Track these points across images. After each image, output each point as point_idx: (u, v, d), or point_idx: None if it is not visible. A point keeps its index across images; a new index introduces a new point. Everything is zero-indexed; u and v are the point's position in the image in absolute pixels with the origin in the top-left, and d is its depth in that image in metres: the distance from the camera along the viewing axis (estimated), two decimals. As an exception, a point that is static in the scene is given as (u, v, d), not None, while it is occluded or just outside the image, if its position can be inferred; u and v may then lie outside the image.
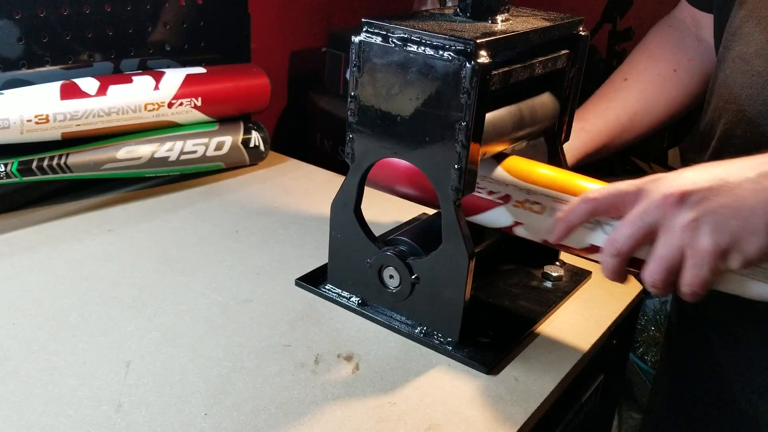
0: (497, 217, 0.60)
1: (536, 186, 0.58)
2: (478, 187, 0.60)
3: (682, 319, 0.76)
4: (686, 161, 1.56)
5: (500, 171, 0.60)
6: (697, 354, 0.72)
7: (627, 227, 0.51)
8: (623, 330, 0.69)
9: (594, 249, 0.55)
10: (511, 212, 0.59)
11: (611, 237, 0.52)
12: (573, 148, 0.72)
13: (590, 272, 0.71)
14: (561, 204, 0.57)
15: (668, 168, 1.54)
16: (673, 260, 0.49)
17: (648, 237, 0.50)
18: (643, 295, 0.71)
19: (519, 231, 0.59)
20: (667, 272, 0.49)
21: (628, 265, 0.53)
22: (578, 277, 0.70)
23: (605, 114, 0.77)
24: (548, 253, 0.70)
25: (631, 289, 0.70)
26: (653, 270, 0.50)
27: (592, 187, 0.56)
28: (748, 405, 0.66)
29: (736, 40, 0.63)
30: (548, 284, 0.68)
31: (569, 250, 0.57)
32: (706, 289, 0.49)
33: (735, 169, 0.48)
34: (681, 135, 1.52)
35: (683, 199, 0.48)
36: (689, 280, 0.49)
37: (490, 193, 0.60)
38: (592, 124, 0.76)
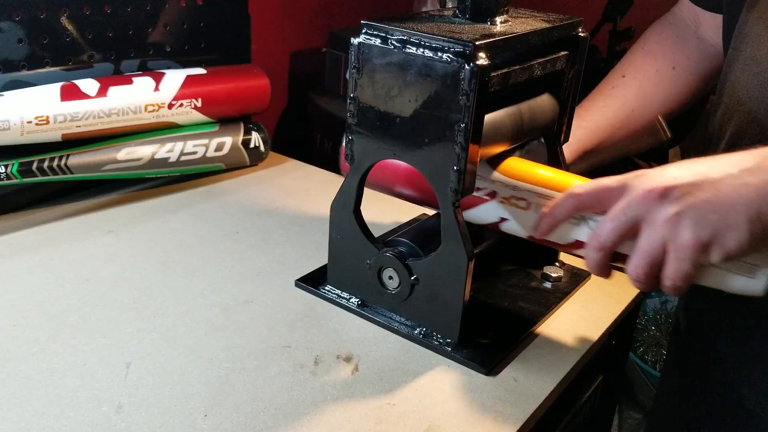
0: (484, 213, 0.61)
1: (522, 182, 0.59)
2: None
3: (689, 321, 0.76)
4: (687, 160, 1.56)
5: (487, 168, 0.60)
6: (704, 356, 0.72)
7: (610, 222, 0.51)
8: (622, 330, 0.69)
9: (579, 244, 0.56)
10: (498, 208, 0.60)
11: (595, 232, 0.53)
12: (570, 144, 0.72)
13: (589, 273, 0.71)
14: (546, 200, 0.57)
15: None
16: (655, 254, 0.49)
17: (631, 231, 0.51)
18: (642, 295, 0.71)
19: (505, 227, 0.60)
20: (649, 266, 0.50)
21: (613, 261, 0.54)
22: (577, 277, 0.70)
23: (603, 110, 0.77)
24: (548, 254, 0.70)
25: (630, 290, 0.70)
26: (636, 264, 0.51)
27: (577, 183, 0.56)
28: (756, 407, 0.66)
29: (747, 42, 0.63)
30: (547, 285, 0.68)
31: (555, 245, 0.58)
32: (687, 283, 0.50)
33: (717, 165, 0.49)
34: (682, 134, 1.52)
35: (666, 194, 0.49)
36: (671, 274, 0.49)
37: (477, 189, 0.60)
38: (590, 121, 0.76)
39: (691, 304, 0.75)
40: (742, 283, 0.51)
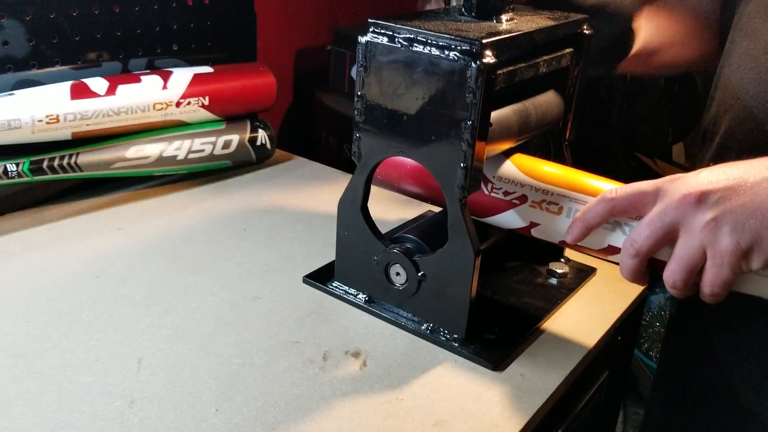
0: (513, 218, 0.60)
1: (554, 186, 0.58)
2: (494, 188, 0.60)
3: (683, 315, 0.77)
4: (691, 156, 1.56)
5: (516, 171, 0.60)
6: (698, 350, 0.73)
7: (646, 227, 0.50)
8: (628, 326, 0.70)
9: (613, 250, 0.55)
10: (528, 213, 0.59)
11: (630, 237, 0.52)
12: None
13: (595, 269, 0.72)
14: (578, 204, 0.56)
15: (672, 163, 1.54)
16: (693, 260, 0.49)
17: (667, 237, 0.50)
18: (647, 291, 0.72)
19: (536, 232, 0.59)
20: (687, 273, 0.49)
21: (649, 267, 0.52)
22: (583, 273, 0.71)
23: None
24: (553, 250, 0.71)
25: (636, 286, 0.71)
26: (673, 270, 0.50)
27: (609, 187, 0.55)
28: (747, 400, 0.66)
29: (743, 36, 0.63)
30: (553, 281, 0.69)
31: (587, 251, 0.57)
32: (727, 290, 0.49)
33: (753, 169, 0.48)
34: (686, 130, 1.52)
35: (702, 198, 0.48)
36: (710, 280, 0.48)
37: (506, 193, 0.60)
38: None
39: (684, 300, 0.75)
40: None
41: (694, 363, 0.74)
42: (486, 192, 0.61)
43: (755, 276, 0.50)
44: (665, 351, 0.85)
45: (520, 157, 0.61)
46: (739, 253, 0.47)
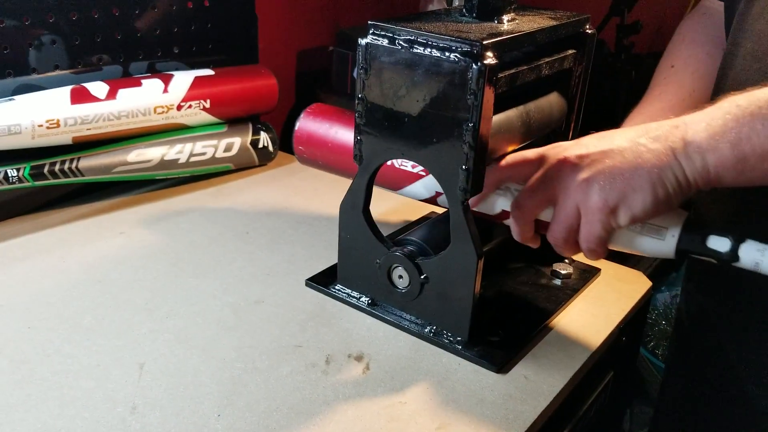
0: (421, 189, 0.64)
1: None
2: (403, 161, 0.63)
3: (691, 316, 0.76)
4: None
5: None
6: (707, 351, 0.72)
7: (528, 191, 0.55)
8: (633, 326, 0.69)
9: (506, 215, 0.58)
10: (434, 183, 0.62)
11: (515, 200, 0.56)
12: None
13: (599, 270, 0.71)
14: None
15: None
16: (570, 219, 0.53)
17: (548, 199, 0.54)
18: (652, 290, 0.71)
19: (441, 201, 0.63)
20: (566, 231, 0.53)
21: (540, 230, 0.56)
22: (587, 274, 0.70)
23: (661, 97, 0.74)
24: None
25: (640, 285, 0.70)
26: (554, 230, 0.54)
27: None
28: (757, 398, 0.66)
29: (747, 37, 0.63)
30: (557, 282, 0.68)
31: (486, 216, 0.60)
32: (602, 246, 0.53)
33: (627, 134, 0.52)
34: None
35: (577, 162, 0.52)
36: (585, 236, 0.53)
37: (414, 166, 0.63)
38: (648, 109, 0.73)
39: (691, 299, 0.75)
40: (653, 245, 0.53)
41: (703, 361, 0.73)
42: (397, 165, 0.64)
43: (627, 232, 0.53)
44: (674, 350, 0.84)
45: None
46: (607, 210, 0.51)
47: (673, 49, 0.79)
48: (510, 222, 0.57)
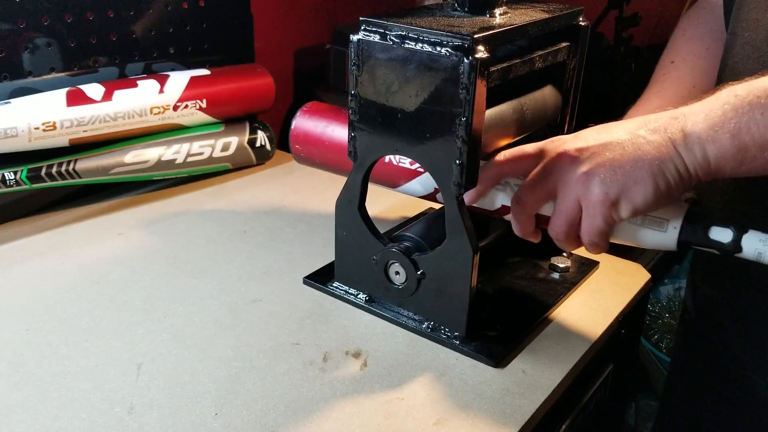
0: (418, 187, 0.63)
1: None
2: (401, 158, 0.63)
3: (697, 308, 0.76)
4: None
5: None
6: (713, 343, 0.72)
7: (528, 185, 0.54)
8: (632, 319, 0.69)
9: (506, 210, 0.58)
10: (430, 180, 0.61)
11: (515, 195, 0.56)
12: None
13: (597, 263, 0.71)
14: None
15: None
16: (571, 212, 0.52)
17: (548, 193, 0.54)
18: (652, 283, 0.71)
19: (439, 197, 0.61)
20: (567, 225, 0.53)
21: (541, 224, 0.56)
22: (585, 267, 0.70)
23: (659, 94, 0.74)
24: (555, 244, 0.70)
25: (639, 278, 0.70)
26: (555, 224, 0.54)
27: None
28: (763, 391, 0.65)
29: (745, 27, 0.63)
30: (555, 275, 0.68)
31: (486, 212, 0.60)
32: (603, 239, 0.53)
33: (627, 126, 0.52)
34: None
35: (577, 155, 0.52)
36: (586, 230, 0.52)
37: (412, 162, 0.63)
38: (646, 106, 0.73)
39: (697, 291, 0.75)
40: (655, 237, 0.53)
41: (710, 352, 0.73)
42: (395, 162, 0.64)
43: (628, 224, 0.53)
44: (680, 341, 0.84)
45: None
46: (608, 203, 0.50)
47: (673, 45, 0.79)
48: (510, 217, 0.57)
